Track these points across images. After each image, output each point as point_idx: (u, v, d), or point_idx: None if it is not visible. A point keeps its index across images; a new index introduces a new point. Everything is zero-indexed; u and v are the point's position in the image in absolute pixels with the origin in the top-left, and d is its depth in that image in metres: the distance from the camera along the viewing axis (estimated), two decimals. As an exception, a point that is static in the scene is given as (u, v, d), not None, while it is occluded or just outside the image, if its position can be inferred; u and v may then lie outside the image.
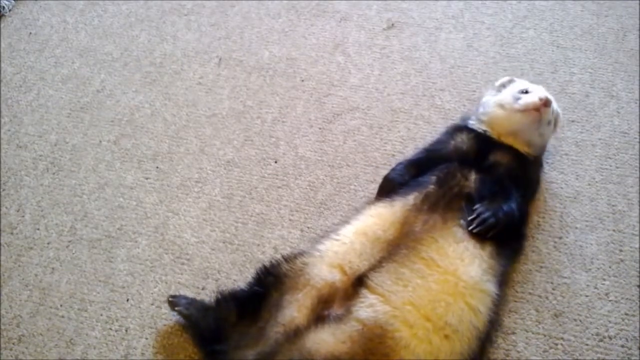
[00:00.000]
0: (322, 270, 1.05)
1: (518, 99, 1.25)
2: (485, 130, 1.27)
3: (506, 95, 1.29)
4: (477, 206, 1.11)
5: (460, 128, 1.31)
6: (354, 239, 1.10)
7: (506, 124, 1.25)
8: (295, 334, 0.97)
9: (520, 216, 1.18)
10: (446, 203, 1.12)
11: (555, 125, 1.31)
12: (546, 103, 1.22)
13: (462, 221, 1.09)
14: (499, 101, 1.28)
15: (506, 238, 1.12)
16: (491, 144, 1.25)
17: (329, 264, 1.06)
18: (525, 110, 1.23)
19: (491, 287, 1.04)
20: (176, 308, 1.16)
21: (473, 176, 1.17)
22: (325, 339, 0.95)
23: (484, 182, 1.16)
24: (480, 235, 1.08)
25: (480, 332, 1.01)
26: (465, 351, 0.99)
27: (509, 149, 1.24)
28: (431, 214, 1.10)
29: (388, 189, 1.23)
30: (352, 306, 0.98)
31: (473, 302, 1.01)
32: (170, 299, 1.18)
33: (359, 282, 1.01)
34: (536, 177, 1.31)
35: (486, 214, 1.09)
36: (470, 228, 1.08)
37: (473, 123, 1.30)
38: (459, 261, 1.04)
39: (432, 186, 1.15)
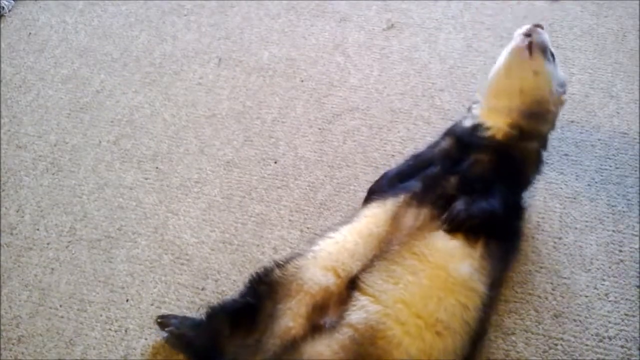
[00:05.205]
0: (315, 274, 1.04)
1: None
2: (474, 118, 1.24)
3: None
4: (454, 204, 1.10)
5: (449, 132, 1.29)
6: (348, 238, 1.09)
7: (499, 66, 1.23)
8: (292, 345, 0.96)
9: (507, 211, 1.14)
10: (432, 203, 1.11)
11: (561, 86, 1.25)
12: (536, 24, 1.20)
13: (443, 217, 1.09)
14: (497, 61, 1.27)
15: (496, 236, 1.10)
16: (472, 144, 1.21)
17: (322, 266, 1.05)
18: (515, 41, 1.20)
19: (481, 287, 1.03)
20: (167, 329, 1.14)
21: (454, 178, 1.16)
22: (321, 351, 0.93)
23: (464, 183, 1.15)
24: (453, 231, 1.06)
25: (472, 329, 1.01)
26: (459, 349, 0.98)
27: (490, 146, 1.20)
28: (420, 210, 1.10)
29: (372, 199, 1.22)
30: (344, 311, 0.97)
31: (462, 299, 1.00)
32: (159, 319, 1.16)
33: (352, 285, 1.00)
34: (530, 163, 1.25)
35: (457, 209, 1.08)
36: (443, 226, 1.07)
37: (467, 115, 1.28)
38: (449, 257, 1.03)
39: (417, 190, 1.14)
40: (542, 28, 1.21)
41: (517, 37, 1.21)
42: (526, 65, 1.19)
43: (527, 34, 1.20)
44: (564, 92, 1.27)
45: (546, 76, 1.21)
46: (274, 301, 1.04)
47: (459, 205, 1.09)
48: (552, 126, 1.28)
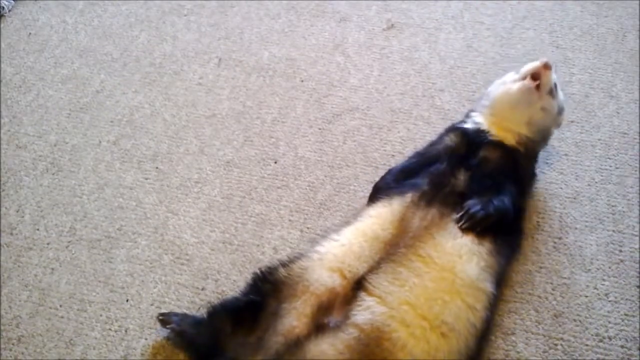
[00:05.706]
0: (322, 276, 1.04)
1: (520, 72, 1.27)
2: (478, 124, 1.26)
3: (510, 73, 1.30)
4: (467, 202, 1.10)
5: (452, 128, 1.30)
6: (353, 240, 1.09)
7: (506, 97, 1.24)
8: (296, 344, 0.96)
9: (515, 211, 1.16)
10: (441, 201, 1.11)
11: (560, 113, 1.29)
12: (546, 65, 1.21)
13: (455, 215, 1.09)
14: (502, 80, 1.29)
15: (503, 234, 1.11)
16: (480, 142, 1.22)
17: (328, 268, 1.05)
18: (525, 76, 1.23)
19: (488, 286, 1.04)
20: (168, 326, 1.13)
21: (463, 174, 1.16)
22: (325, 350, 0.93)
23: (474, 179, 1.15)
24: (470, 229, 1.07)
25: (477, 330, 1.01)
26: (463, 350, 0.98)
27: (498, 145, 1.22)
28: (428, 210, 1.10)
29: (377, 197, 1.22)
30: (350, 311, 0.97)
31: (469, 300, 1.00)
32: (160, 317, 1.15)
33: (358, 286, 1.00)
34: (529, 172, 1.29)
35: (475, 208, 1.08)
36: (459, 224, 1.07)
37: (467, 120, 1.29)
38: (457, 258, 1.03)
39: (425, 187, 1.15)
40: (551, 67, 1.23)
41: (527, 80, 1.22)
42: (534, 104, 1.23)
43: (536, 76, 1.22)
44: (562, 114, 1.32)
45: (552, 110, 1.26)
46: (278, 300, 1.04)
47: (474, 204, 1.09)
48: (546, 144, 1.34)
